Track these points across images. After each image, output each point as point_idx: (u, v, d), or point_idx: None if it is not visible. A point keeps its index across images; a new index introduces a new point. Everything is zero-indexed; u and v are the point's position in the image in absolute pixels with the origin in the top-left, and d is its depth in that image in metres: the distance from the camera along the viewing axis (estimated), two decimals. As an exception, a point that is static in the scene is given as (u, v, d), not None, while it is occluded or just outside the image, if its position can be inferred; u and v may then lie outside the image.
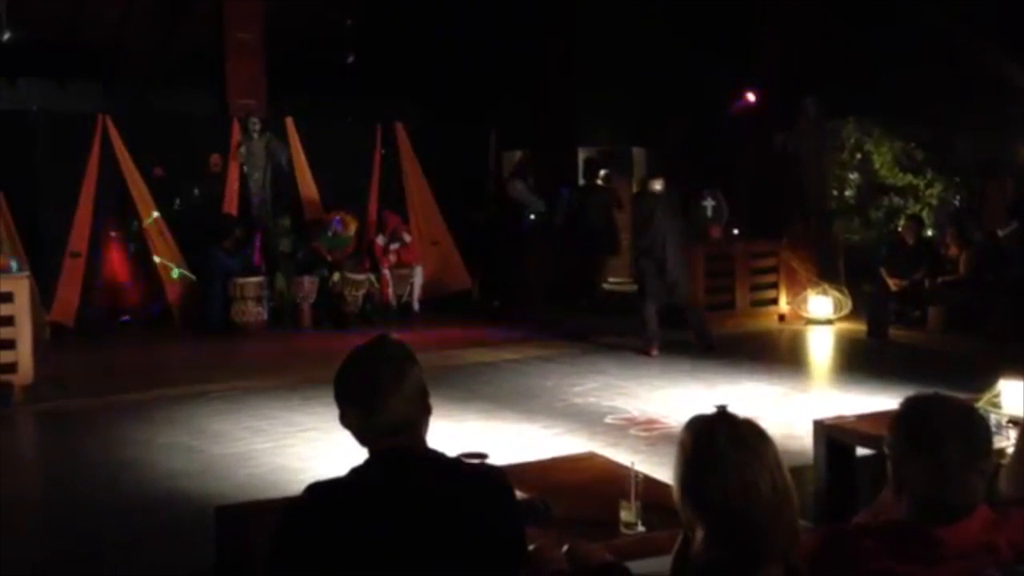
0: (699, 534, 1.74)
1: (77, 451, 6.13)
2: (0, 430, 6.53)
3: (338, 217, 10.59)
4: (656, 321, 8.53)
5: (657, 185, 8.72)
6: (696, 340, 8.74)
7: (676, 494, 1.79)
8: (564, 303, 11.09)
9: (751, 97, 11.03)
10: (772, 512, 1.69)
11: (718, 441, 1.74)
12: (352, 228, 10.60)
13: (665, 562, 2.21)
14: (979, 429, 1.99)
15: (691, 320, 8.84)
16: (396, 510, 1.97)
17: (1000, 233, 9.39)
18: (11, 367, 7.18)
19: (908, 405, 2.02)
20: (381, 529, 1.95)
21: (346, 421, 2.06)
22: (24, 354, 7.23)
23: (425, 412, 2.09)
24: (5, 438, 6.52)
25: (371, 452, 2.06)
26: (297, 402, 6.96)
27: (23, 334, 7.24)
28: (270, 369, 8.39)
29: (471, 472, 2.14)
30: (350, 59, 11.47)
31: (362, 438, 2.06)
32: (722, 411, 1.84)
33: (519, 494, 2.55)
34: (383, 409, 2.01)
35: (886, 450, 2.02)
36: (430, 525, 1.96)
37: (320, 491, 2.03)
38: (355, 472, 2.04)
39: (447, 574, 1.96)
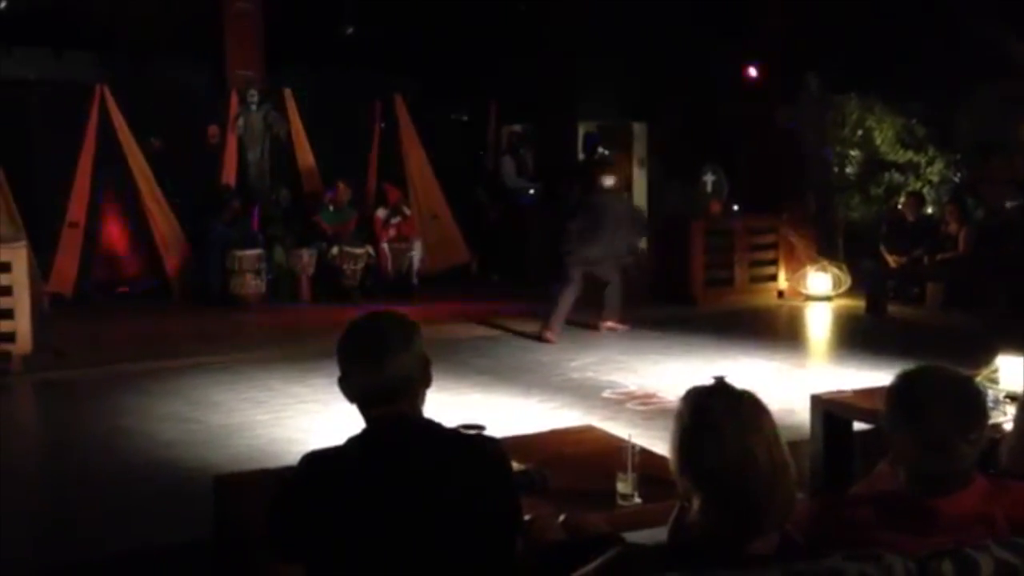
0: (695, 503, 1.74)
1: (75, 421, 6.14)
2: (-2, 400, 6.54)
3: (332, 188, 10.60)
4: (568, 306, 8.06)
5: (609, 181, 8.37)
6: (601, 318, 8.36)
7: (673, 463, 1.79)
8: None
9: (753, 72, 10.96)
10: (768, 482, 1.69)
11: (715, 411, 1.74)
12: (345, 195, 10.57)
13: (661, 533, 2.22)
14: (969, 399, 1.98)
15: (609, 296, 8.39)
16: (393, 478, 1.97)
17: (1008, 204, 9.40)
18: (9, 337, 7.19)
19: (900, 377, 2.03)
20: (378, 497, 1.95)
21: (347, 381, 2.05)
22: (22, 324, 7.23)
23: (426, 381, 2.09)
24: (3, 407, 6.53)
25: (367, 420, 2.05)
26: (296, 374, 6.96)
27: (21, 304, 7.24)
28: (269, 341, 8.40)
29: (467, 442, 2.15)
30: (350, 30, 11.39)
31: (361, 400, 2.05)
32: (720, 382, 1.83)
33: (516, 465, 2.55)
34: (389, 364, 2.00)
35: (883, 423, 2.03)
36: (426, 494, 1.96)
37: (317, 460, 2.03)
38: (352, 441, 2.03)
39: (443, 543, 1.96)
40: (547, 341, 8.00)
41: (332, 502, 1.95)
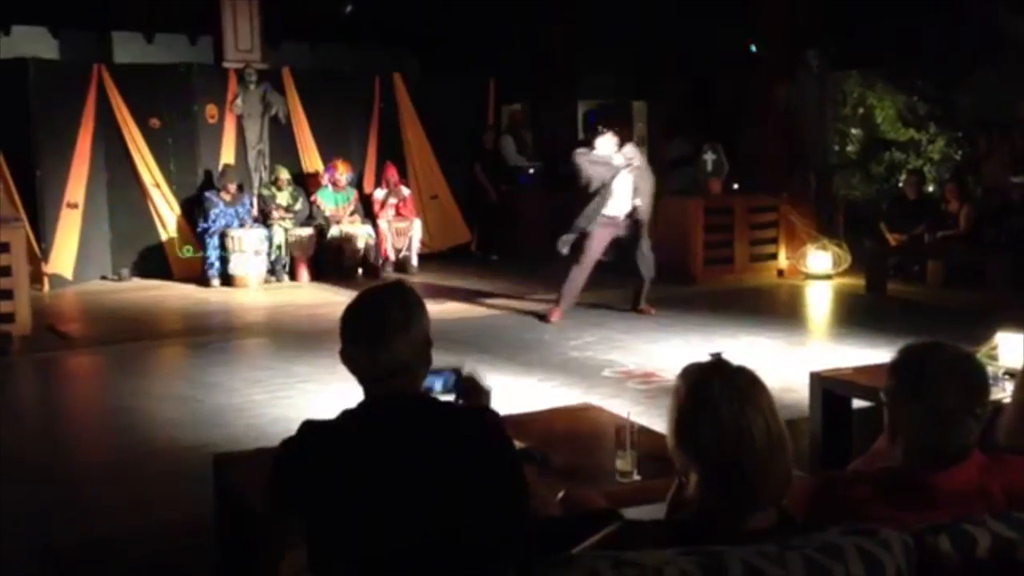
0: (693, 479, 1.74)
1: (75, 401, 6.16)
2: (-1, 380, 6.54)
3: (329, 166, 10.58)
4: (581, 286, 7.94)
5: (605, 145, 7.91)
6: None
7: (670, 440, 1.79)
8: (562, 257, 11.04)
9: (753, 49, 10.91)
10: (765, 457, 1.69)
11: (712, 387, 1.74)
12: (342, 172, 10.54)
13: (660, 509, 2.23)
14: (975, 374, 1.99)
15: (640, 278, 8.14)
16: (390, 449, 1.98)
17: (1014, 180, 9.43)
18: (9, 317, 7.19)
19: (905, 352, 2.02)
20: (375, 467, 1.96)
21: (347, 358, 2.05)
22: (22, 304, 7.23)
23: (426, 363, 2.09)
24: (3, 388, 6.54)
25: (366, 393, 2.06)
26: (295, 354, 6.97)
27: (20, 284, 7.24)
28: (268, 321, 8.41)
29: (463, 413, 2.16)
30: (348, 9, 11.34)
31: (360, 376, 2.05)
32: (717, 358, 1.83)
33: (517, 444, 2.56)
34: (387, 349, 2.00)
35: (883, 397, 2.03)
36: (424, 464, 1.97)
37: (314, 427, 2.05)
38: (347, 414, 2.05)
39: (442, 513, 1.96)
40: (547, 321, 8.01)
41: (329, 468, 1.97)
